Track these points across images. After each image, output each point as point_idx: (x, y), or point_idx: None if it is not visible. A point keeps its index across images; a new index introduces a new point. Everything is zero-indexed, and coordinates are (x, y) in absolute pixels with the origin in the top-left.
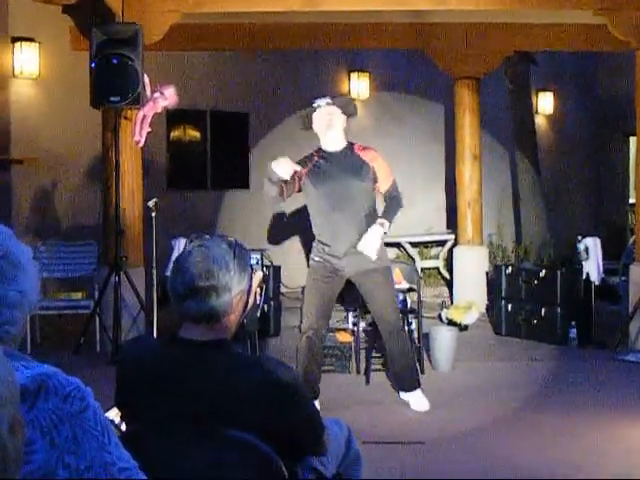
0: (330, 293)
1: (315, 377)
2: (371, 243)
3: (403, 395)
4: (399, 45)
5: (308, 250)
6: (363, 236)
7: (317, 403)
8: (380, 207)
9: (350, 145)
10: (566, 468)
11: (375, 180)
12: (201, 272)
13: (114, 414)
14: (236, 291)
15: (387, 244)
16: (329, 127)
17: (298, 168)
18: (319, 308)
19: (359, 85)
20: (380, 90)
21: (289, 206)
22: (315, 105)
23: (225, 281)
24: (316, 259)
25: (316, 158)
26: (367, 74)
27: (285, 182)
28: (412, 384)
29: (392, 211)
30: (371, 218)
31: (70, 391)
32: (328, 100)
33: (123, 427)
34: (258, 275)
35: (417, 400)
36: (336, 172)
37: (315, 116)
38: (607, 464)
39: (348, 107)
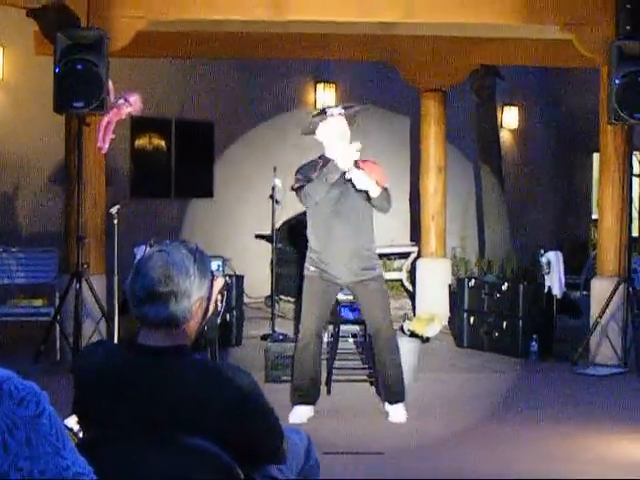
0: (327, 302)
1: (311, 384)
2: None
3: (387, 407)
4: (366, 57)
5: (271, 261)
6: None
7: (312, 410)
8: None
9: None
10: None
11: None
12: (160, 277)
13: (73, 421)
14: (196, 297)
15: None
16: (340, 138)
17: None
18: (317, 317)
19: (325, 96)
20: (346, 101)
21: (254, 217)
22: (328, 114)
23: (185, 287)
24: (312, 269)
25: (321, 164)
26: (333, 85)
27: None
28: (399, 396)
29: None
30: (368, 228)
31: (25, 395)
32: (341, 110)
33: (81, 434)
34: (219, 281)
35: (397, 412)
36: (337, 181)
37: (324, 124)
38: (567, 475)
39: (354, 119)
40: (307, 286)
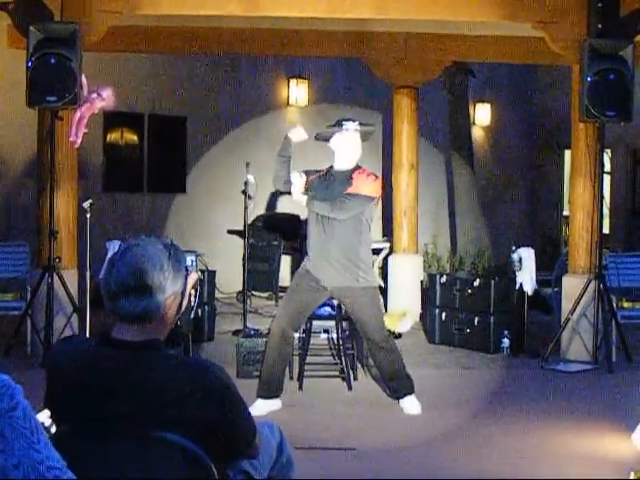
0: (308, 302)
1: (278, 377)
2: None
3: (401, 402)
4: (339, 53)
5: (243, 256)
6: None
7: (279, 402)
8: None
9: (356, 168)
10: (499, 474)
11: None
12: (135, 272)
13: (45, 416)
14: (170, 292)
15: None
16: (350, 153)
17: (307, 137)
18: (293, 313)
19: (298, 92)
20: (319, 97)
21: (226, 212)
22: (344, 128)
23: (159, 281)
24: (306, 267)
25: (325, 172)
26: (306, 81)
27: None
28: (407, 389)
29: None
30: (357, 238)
31: None
32: (357, 127)
33: (53, 429)
34: (193, 276)
35: (411, 404)
36: (331, 190)
37: (339, 136)
38: (537, 471)
39: (367, 137)
40: (294, 280)
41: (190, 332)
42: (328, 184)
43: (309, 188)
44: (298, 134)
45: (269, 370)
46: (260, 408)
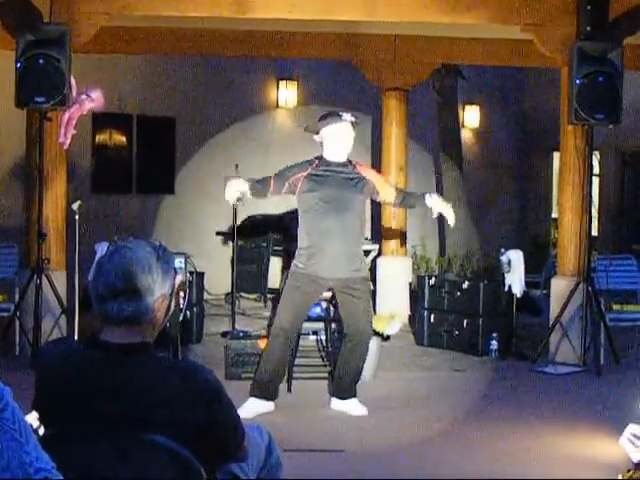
0: (306, 301)
1: (278, 379)
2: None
3: (339, 404)
4: (328, 55)
5: (231, 258)
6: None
7: (272, 405)
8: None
9: (349, 161)
10: (488, 476)
11: (372, 193)
12: (123, 274)
13: (33, 418)
14: (159, 294)
15: None
16: (346, 144)
17: (246, 189)
18: (293, 314)
19: (287, 94)
20: (308, 99)
21: (215, 214)
22: (343, 118)
23: (148, 283)
24: (300, 266)
25: (317, 163)
26: (296, 83)
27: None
28: (351, 392)
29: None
30: (359, 230)
31: None
32: (353, 119)
33: (42, 431)
34: (177, 279)
35: (355, 406)
36: (334, 180)
37: (334, 126)
38: (526, 473)
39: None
40: (289, 281)
41: (178, 334)
42: (331, 172)
43: (301, 184)
44: (229, 194)
45: (269, 372)
46: (250, 409)
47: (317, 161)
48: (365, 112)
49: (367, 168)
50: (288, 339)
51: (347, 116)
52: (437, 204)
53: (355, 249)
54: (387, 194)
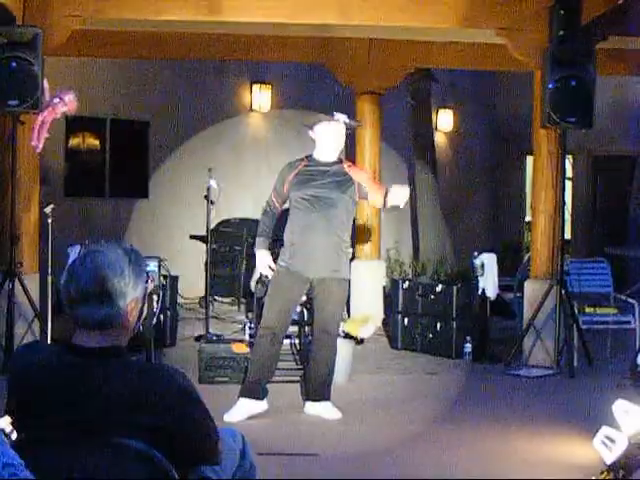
0: (291, 299)
1: (267, 379)
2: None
3: (312, 407)
4: (302, 58)
5: (205, 262)
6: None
7: (264, 404)
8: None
9: (340, 160)
10: (464, 477)
11: (360, 195)
12: (95, 278)
13: (5, 422)
14: (131, 298)
15: None
16: (336, 144)
17: (269, 256)
18: (276, 312)
19: (261, 97)
20: (282, 102)
21: (189, 217)
22: (335, 118)
23: (120, 287)
24: (282, 264)
25: (305, 162)
26: (269, 86)
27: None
28: (324, 394)
29: None
30: (343, 229)
31: None
32: (346, 119)
33: (14, 436)
34: (150, 282)
35: (328, 410)
36: (322, 178)
37: (326, 126)
38: (500, 474)
39: (349, 130)
40: (273, 280)
41: (152, 338)
42: (318, 171)
43: (289, 183)
44: (262, 266)
45: (256, 372)
46: (242, 410)
47: (306, 159)
48: None
49: (357, 170)
50: (275, 337)
51: (340, 116)
52: (394, 195)
53: (337, 248)
54: (374, 199)
